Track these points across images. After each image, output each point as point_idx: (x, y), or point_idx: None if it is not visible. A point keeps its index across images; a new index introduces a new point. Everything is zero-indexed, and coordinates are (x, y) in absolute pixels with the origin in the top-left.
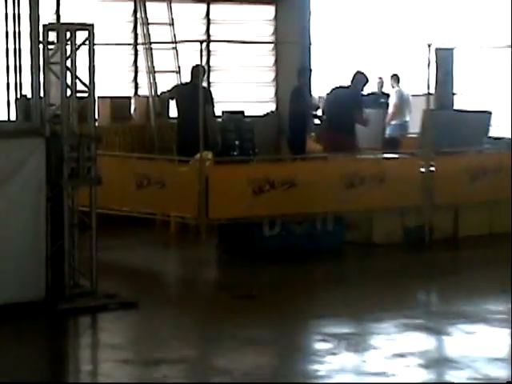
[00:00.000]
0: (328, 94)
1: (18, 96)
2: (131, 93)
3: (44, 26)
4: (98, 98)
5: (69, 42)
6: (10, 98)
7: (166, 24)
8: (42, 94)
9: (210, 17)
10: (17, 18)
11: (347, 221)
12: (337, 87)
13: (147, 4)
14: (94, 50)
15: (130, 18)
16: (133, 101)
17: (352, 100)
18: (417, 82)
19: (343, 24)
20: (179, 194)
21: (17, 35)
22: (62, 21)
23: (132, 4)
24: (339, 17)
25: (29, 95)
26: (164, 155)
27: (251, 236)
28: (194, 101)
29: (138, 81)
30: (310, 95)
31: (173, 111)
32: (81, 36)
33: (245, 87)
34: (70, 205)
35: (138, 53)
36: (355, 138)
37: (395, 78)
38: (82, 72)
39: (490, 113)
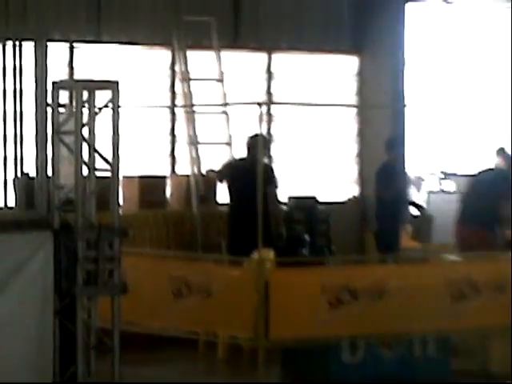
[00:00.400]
0: (474, 177)
1: (18, 174)
2: (167, 171)
3: (54, 83)
4: (124, 177)
5: (86, 105)
6: (8, 177)
7: (213, 80)
8: (49, 173)
9: (272, 70)
10: (18, 71)
11: (455, 343)
12: (487, 169)
13: (188, 54)
14: (118, 114)
15: (166, 72)
16: (169, 181)
17: (504, 185)
18: None
19: (448, 80)
20: (230, 305)
21: (17, 95)
22: (76, 76)
23: (169, 54)
24: (443, 70)
25: (32, 173)
26: (210, 254)
27: (326, 363)
28: (251, 181)
29: (176, 154)
30: (405, 175)
31: (222, 195)
32: (102, 96)
33: (318, 164)
34: (86, 320)
35: (177, 118)
36: (497, 234)
37: (501, 153)
38: (103, 143)
39: None
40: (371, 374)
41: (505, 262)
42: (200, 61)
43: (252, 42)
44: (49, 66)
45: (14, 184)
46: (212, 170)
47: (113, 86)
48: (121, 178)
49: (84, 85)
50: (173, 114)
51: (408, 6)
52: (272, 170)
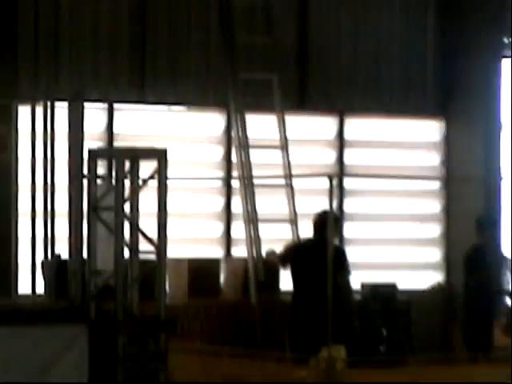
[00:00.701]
0: None
1: (48, 256)
2: (220, 253)
3: (90, 151)
4: (171, 260)
5: (128, 177)
6: (37, 260)
7: (275, 147)
8: (84, 255)
9: (344, 136)
10: (49, 137)
11: None
12: None
13: (247, 116)
14: (166, 187)
15: (220, 138)
16: (223, 265)
17: None
18: None
19: None
20: None
21: (48, 164)
22: (117, 143)
23: (224, 116)
24: None
25: (64, 255)
26: (271, 351)
27: None
28: (320, 266)
29: (232, 234)
30: (499, 259)
31: (285, 282)
32: (146, 166)
33: (396, 246)
34: None
35: (233, 191)
36: None
37: None
38: (147, 219)
39: None
40: None
41: None
42: (260, 125)
43: (321, 104)
44: (85, 130)
45: (42, 267)
46: (273, 253)
47: (160, 154)
48: (168, 260)
49: (126, 153)
50: (228, 186)
51: (504, 63)
52: (343, 252)
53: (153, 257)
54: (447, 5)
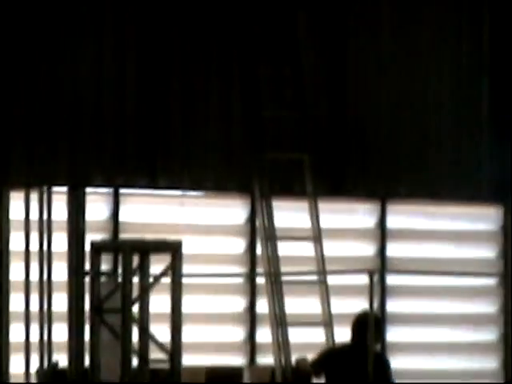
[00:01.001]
0: None
1: (45, 365)
2: (242, 360)
3: (93, 244)
4: (186, 369)
5: (137, 273)
6: (31, 368)
7: (307, 239)
8: (86, 364)
9: (387, 225)
10: (45, 227)
11: None
12: None
13: (274, 203)
14: (180, 285)
15: (242, 228)
16: (246, 374)
17: None
18: None
19: None
20: None
21: (44, 258)
22: (123, 234)
23: (248, 203)
24: None
25: (62, 364)
26: None
27: None
28: (358, 376)
29: (257, 339)
30: None
31: None
32: (158, 261)
33: (447, 353)
34: None
35: (258, 289)
36: None
37: None
38: (159, 325)
39: None
40: None
41: None
42: (289, 213)
43: (359, 188)
44: (87, 219)
45: (37, 377)
46: (305, 360)
47: (173, 247)
48: (183, 368)
49: (134, 246)
50: (252, 283)
51: None
52: (386, 360)
53: (165, 366)
54: (501, 74)
